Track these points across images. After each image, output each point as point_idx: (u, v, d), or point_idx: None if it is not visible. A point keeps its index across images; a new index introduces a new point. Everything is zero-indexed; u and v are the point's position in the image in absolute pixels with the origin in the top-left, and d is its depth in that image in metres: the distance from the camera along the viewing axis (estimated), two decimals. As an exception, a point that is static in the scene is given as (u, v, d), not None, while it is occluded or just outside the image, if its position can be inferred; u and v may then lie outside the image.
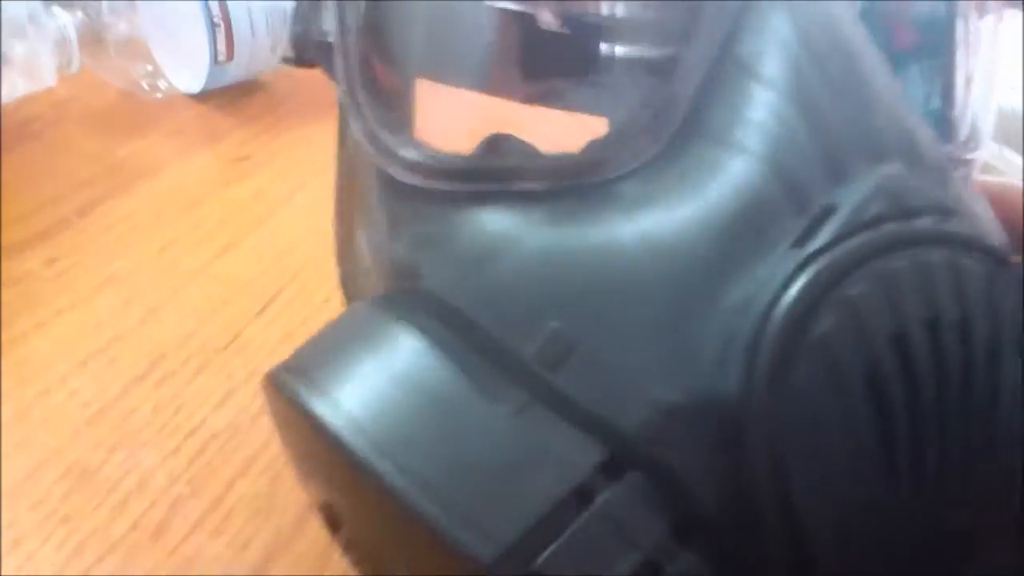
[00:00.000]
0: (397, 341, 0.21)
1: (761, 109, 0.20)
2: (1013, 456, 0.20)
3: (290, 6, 0.60)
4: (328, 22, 0.26)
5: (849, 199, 0.20)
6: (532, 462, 0.19)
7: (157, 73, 0.58)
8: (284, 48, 0.60)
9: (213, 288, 0.44)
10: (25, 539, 0.31)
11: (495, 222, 0.22)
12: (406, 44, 0.25)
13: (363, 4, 0.25)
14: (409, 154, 0.23)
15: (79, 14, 0.53)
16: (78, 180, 0.50)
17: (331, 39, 0.26)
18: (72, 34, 0.52)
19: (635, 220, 0.21)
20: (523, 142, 0.22)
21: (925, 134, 0.22)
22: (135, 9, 0.56)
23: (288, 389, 0.21)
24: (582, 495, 0.19)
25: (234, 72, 0.59)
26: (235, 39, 0.56)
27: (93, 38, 0.54)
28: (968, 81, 0.28)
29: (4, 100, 0.48)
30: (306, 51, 0.28)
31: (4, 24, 0.48)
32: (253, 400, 0.38)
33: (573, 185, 0.21)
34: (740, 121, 0.21)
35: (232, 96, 0.60)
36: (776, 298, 0.19)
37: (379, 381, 0.20)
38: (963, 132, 0.28)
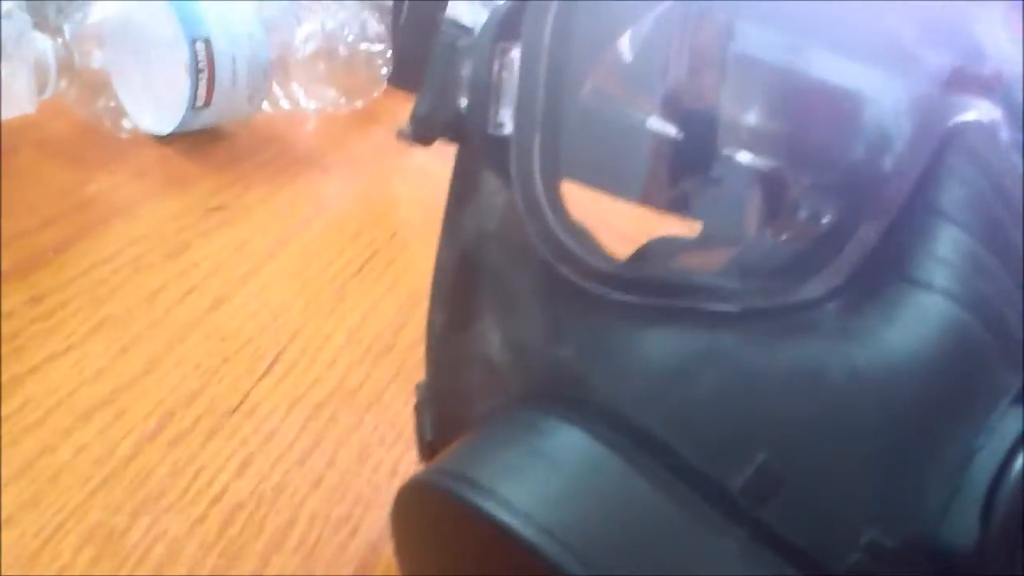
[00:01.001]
0: (589, 456, 0.20)
1: (958, 251, 0.20)
2: None
3: (269, 60, 0.58)
4: (498, 111, 0.25)
5: None
6: None
7: (119, 110, 0.55)
8: (260, 99, 0.58)
9: (212, 343, 0.41)
10: (52, 612, 0.28)
11: (685, 339, 0.21)
12: (586, 150, 0.25)
13: (543, 101, 0.24)
14: (593, 260, 0.22)
15: (59, 40, 0.50)
16: (46, 214, 0.47)
17: (501, 130, 0.25)
18: (51, 60, 0.49)
19: (840, 351, 0.20)
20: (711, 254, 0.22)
21: None
22: (103, 42, 0.53)
23: (463, 500, 0.20)
24: None
25: (206, 118, 0.56)
26: (216, 85, 0.54)
27: (65, 65, 0.51)
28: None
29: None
30: (431, 128, 0.27)
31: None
32: (272, 469, 0.36)
33: (766, 307, 0.21)
34: (938, 262, 0.20)
35: (195, 142, 0.57)
36: (1010, 456, 0.19)
37: (579, 499, 0.19)
38: None
